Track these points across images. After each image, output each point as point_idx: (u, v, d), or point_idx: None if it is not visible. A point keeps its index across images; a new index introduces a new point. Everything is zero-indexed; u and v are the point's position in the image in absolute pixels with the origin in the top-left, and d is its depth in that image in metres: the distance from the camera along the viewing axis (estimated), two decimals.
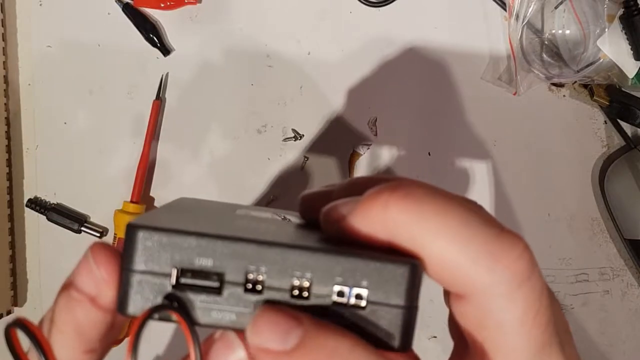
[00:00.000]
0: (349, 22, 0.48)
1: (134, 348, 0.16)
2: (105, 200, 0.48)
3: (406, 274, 0.17)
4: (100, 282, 0.17)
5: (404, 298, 0.17)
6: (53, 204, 0.48)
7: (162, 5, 0.47)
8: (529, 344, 0.17)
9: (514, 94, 0.47)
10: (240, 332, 0.17)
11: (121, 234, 0.46)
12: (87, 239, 0.48)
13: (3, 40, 0.47)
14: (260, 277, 0.17)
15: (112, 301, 0.17)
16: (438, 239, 0.17)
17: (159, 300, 0.17)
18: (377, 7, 0.47)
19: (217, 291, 0.17)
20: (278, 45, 0.48)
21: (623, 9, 0.41)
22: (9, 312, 0.47)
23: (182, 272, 0.17)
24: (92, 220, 0.48)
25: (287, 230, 0.20)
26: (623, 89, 0.46)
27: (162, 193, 0.48)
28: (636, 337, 0.49)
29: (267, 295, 0.17)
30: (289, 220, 0.22)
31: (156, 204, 0.49)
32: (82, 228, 0.47)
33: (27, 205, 0.48)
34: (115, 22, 0.47)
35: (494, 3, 0.47)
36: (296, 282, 0.17)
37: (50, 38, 0.48)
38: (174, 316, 0.17)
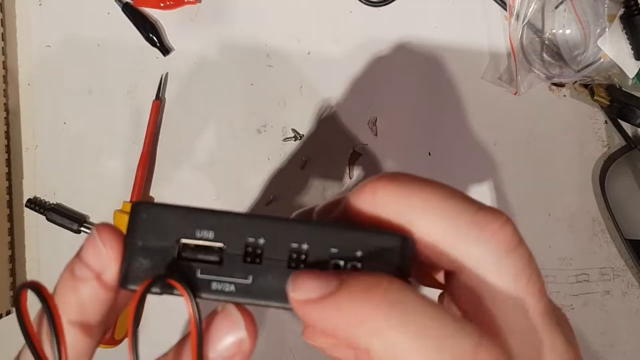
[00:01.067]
0: (349, 21, 0.47)
1: (136, 317, 0.17)
2: (105, 201, 0.47)
3: (398, 243, 0.18)
4: (105, 258, 0.18)
5: (397, 267, 0.18)
6: (52, 204, 0.48)
7: (162, 4, 0.47)
8: (525, 312, 0.17)
9: (515, 94, 0.47)
10: (239, 306, 0.18)
11: None
12: None
13: (2, 40, 0.47)
14: (259, 249, 0.18)
15: (115, 278, 0.18)
16: (424, 215, 0.17)
17: (160, 272, 0.17)
18: (377, 6, 0.47)
19: (218, 262, 0.17)
20: (278, 45, 0.48)
21: (623, 9, 0.41)
22: (8, 313, 0.47)
23: (184, 246, 0.18)
24: (91, 220, 0.48)
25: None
26: (623, 89, 0.46)
27: (162, 193, 0.48)
28: (637, 338, 0.49)
29: (266, 265, 0.17)
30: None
31: None
32: (82, 228, 0.47)
33: (26, 205, 0.48)
34: (114, 21, 0.47)
35: (494, 3, 0.47)
36: (294, 254, 0.18)
37: (50, 38, 0.48)
38: (177, 288, 0.17)
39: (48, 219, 0.47)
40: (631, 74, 0.43)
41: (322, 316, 0.16)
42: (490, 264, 0.17)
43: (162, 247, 0.17)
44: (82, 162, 0.48)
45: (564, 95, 0.48)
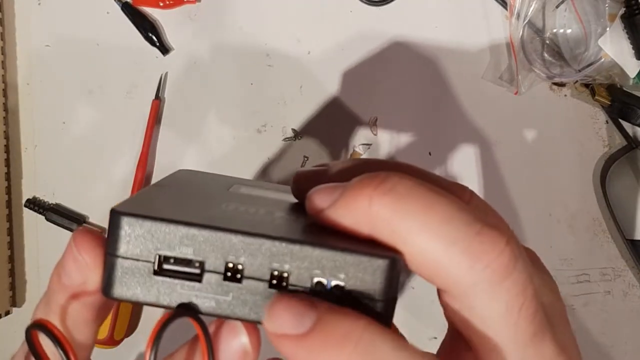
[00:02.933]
0: (349, 21, 0.47)
1: (154, 349, 0.17)
2: (104, 200, 0.47)
3: (383, 268, 0.17)
4: (84, 268, 0.18)
5: (382, 291, 0.17)
6: (52, 204, 0.48)
7: (161, 4, 0.46)
8: (516, 336, 0.17)
9: (515, 94, 0.46)
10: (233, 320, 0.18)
11: None
12: None
13: (2, 39, 0.47)
14: (240, 266, 0.17)
15: (98, 284, 0.18)
16: (419, 237, 0.17)
17: (144, 282, 0.17)
18: (377, 6, 0.47)
19: (198, 278, 0.17)
20: (278, 44, 0.47)
21: (624, 8, 0.41)
22: (7, 313, 0.47)
23: (164, 259, 0.17)
24: (90, 220, 0.48)
25: (274, 216, 0.20)
26: (624, 89, 0.46)
27: None
28: (637, 338, 0.49)
29: (246, 283, 0.17)
30: (282, 200, 0.22)
31: None
32: None
33: (25, 206, 0.48)
34: (114, 21, 0.47)
35: (495, 2, 0.47)
36: (275, 273, 0.17)
37: (49, 37, 0.47)
38: (190, 320, 0.17)
39: (47, 219, 0.47)
40: (632, 73, 0.43)
41: (294, 354, 0.16)
42: (483, 292, 0.17)
43: (142, 258, 0.17)
44: (81, 162, 0.48)
45: (565, 95, 0.48)
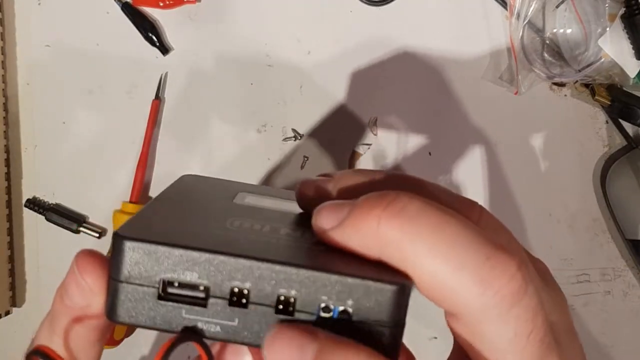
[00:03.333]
0: (349, 21, 0.47)
1: None
2: (104, 201, 0.47)
3: (392, 294, 0.17)
4: (87, 292, 0.18)
5: (390, 317, 0.17)
6: (52, 204, 0.48)
7: (161, 4, 0.46)
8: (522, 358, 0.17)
9: (515, 94, 0.46)
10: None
11: None
12: (85, 239, 0.47)
13: (2, 39, 0.47)
14: (246, 291, 0.17)
15: (102, 308, 0.18)
16: (428, 260, 0.16)
17: (149, 307, 0.17)
18: (377, 6, 0.47)
19: (203, 303, 0.17)
20: (278, 44, 0.47)
21: (624, 8, 0.41)
22: (7, 313, 0.47)
23: (169, 283, 0.17)
24: (90, 220, 0.48)
25: (280, 234, 0.20)
26: (624, 89, 0.46)
27: None
28: (637, 338, 0.49)
29: (252, 308, 0.17)
30: (287, 211, 0.22)
31: None
32: (81, 228, 0.47)
33: (25, 206, 0.47)
34: (114, 21, 0.47)
35: (494, 2, 0.47)
36: (281, 298, 0.17)
37: (49, 37, 0.47)
38: (194, 345, 0.17)
39: (47, 219, 0.47)
40: (632, 73, 0.43)
41: None
42: (492, 318, 0.16)
43: (147, 283, 0.17)
44: (81, 162, 0.48)
45: (565, 95, 0.48)
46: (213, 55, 0.47)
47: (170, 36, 0.48)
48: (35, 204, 0.47)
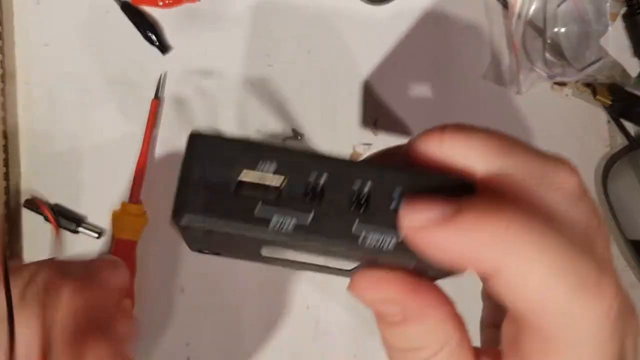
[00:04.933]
0: (349, 20, 0.47)
1: None
2: (103, 201, 0.47)
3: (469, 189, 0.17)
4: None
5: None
6: (51, 204, 0.47)
7: (161, 3, 0.46)
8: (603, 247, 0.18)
9: (516, 93, 0.46)
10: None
11: (120, 235, 0.45)
12: (84, 239, 0.47)
13: (0, 38, 0.47)
14: (321, 187, 0.17)
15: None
16: (492, 162, 0.17)
17: (222, 204, 0.17)
18: (377, 5, 0.47)
19: (277, 198, 0.17)
20: (278, 44, 0.47)
21: (626, 7, 0.41)
22: None
23: (242, 183, 0.17)
24: (89, 220, 0.48)
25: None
26: (626, 88, 0.46)
27: (161, 194, 0.48)
28: None
29: (327, 204, 0.17)
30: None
31: (155, 204, 0.48)
32: (80, 228, 0.47)
33: (24, 206, 0.47)
34: (113, 20, 0.47)
35: (495, 1, 0.47)
36: (356, 194, 0.17)
37: (48, 36, 0.47)
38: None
39: (46, 220, 0.47)
40: (634, 72, 0.43)
41: (444, 240, 0.15)
42: (563, 205, 0.17)
43: (221, 180, 0.17)
44: (80, 162, 0.48)
45: (566, 95, 0.48)
46: (213, 54, 0.47)
47: (169, 35, 0.47)
48: (35, 204, 0.47)
